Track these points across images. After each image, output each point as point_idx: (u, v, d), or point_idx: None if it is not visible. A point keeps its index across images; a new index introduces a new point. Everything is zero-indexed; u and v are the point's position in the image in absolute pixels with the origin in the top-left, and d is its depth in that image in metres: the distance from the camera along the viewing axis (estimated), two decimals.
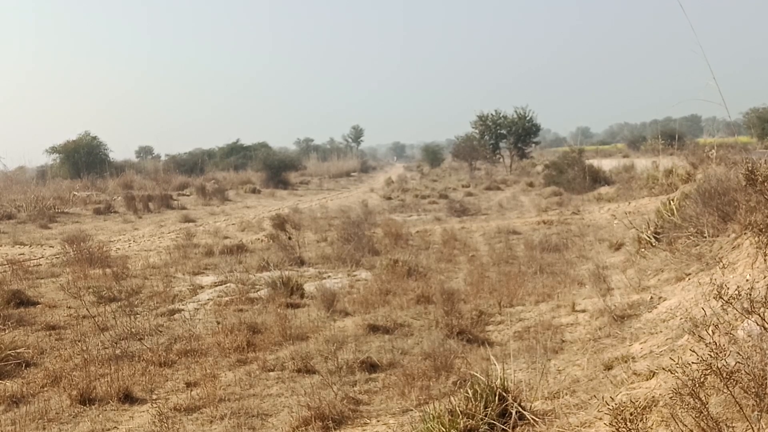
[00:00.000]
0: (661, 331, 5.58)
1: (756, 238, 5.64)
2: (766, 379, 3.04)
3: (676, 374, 3.31)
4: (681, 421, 3.09)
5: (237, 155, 48.64)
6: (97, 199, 25.47)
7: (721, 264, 6.20)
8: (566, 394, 4.72)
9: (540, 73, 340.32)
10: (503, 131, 42.73)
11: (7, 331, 7.66)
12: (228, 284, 10.22)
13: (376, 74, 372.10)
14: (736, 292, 3.51)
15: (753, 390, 3.02)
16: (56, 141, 40.92)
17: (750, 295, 3.49)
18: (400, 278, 9.82)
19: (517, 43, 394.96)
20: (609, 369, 5.07)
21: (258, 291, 9.61)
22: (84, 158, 37.87)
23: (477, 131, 43.66)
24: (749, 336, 3.61)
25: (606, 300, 7.12)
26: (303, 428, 4.89)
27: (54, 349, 7.10)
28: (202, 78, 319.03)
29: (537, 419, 4.16)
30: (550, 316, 7.47)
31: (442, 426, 4.11)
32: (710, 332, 3.89)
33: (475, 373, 4.61)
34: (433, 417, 4.21)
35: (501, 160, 44.77)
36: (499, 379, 4.35)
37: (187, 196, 29.26)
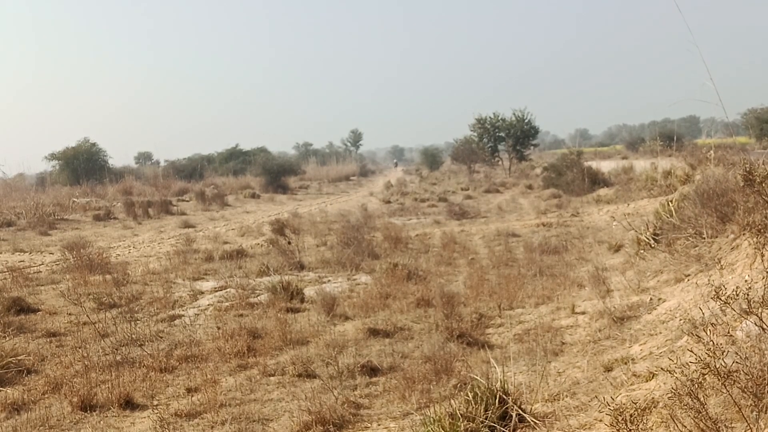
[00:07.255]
0: (660, 333, 5.59)
1: (754, 239, 5.65)
2: (764, 379, 3.05)
3: (676, 375, 3.33)
4: (680, 422, 3.10)
5: (236, 160, 48.61)
6: (97, 206, 25.44)
7: (720, 265, 6.22)
8: (566, 396, 4.73)
9: (538, 75, 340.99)
10: (502, 134, 42.76)
11: (7, 339, 7.66)
12: (228, 289, 10.22)
13: (375, 78, 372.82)
14: (735, 293, 3.52)
15: (751, 390, 3.03)
16: (55, 148, 40.91)
17: (748, 295, 3.51)
18: (399, 282, 9.83)
19: (515, 46, 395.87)
20: (609, 371, 5.08)
21: (258, 296, 9.61)
22: (83, 165, 37.82)
23: (476, 134, 43.70)
24: (748, 336, 3.63)
25: (605, 302, 7.14)
26: None
27: (55, 356, 7.10)
28: (201, 83, 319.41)
29: (537, 421, 4.17)
30: (549, 318, 7.48)
31: (443, 429, 4.12)
32: (709, 333, 3.90)
33: (476, 376, 4.61)
34: (434, 420, 4.22)
35: (500, 162, 44.86)
36: (499, 382, 4.36)
37: (187, 201, 29.26)
